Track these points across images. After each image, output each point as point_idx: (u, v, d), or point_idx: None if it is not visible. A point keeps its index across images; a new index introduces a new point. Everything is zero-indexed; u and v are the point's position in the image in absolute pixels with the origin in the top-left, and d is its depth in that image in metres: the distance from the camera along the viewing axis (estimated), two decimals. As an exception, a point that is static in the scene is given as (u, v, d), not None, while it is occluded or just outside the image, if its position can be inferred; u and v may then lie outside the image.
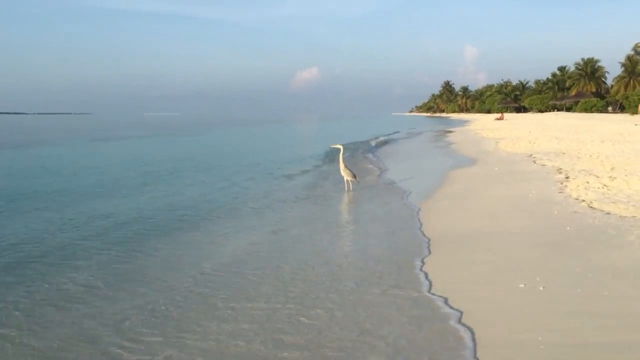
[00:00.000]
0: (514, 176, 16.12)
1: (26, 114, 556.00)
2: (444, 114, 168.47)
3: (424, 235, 9.81)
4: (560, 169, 16.67)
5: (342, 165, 16.06)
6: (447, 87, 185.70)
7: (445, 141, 36.78)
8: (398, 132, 56.44)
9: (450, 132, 50.37)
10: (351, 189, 15.73)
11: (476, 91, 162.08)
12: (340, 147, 16.34)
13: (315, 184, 17.48)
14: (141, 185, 17.30)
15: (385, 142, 39.38)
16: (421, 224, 10.66)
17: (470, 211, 11.52)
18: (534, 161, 19.49)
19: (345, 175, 15.97)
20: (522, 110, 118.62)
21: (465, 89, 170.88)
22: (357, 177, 16.03)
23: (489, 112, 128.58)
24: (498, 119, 77.18)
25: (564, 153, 21.31)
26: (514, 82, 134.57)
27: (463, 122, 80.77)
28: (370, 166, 22.42)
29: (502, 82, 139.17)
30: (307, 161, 24.78)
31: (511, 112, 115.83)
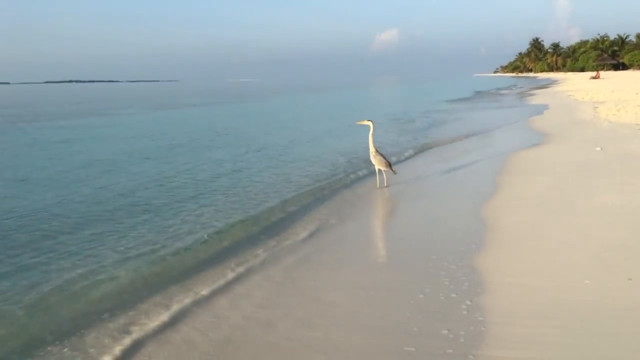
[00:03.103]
0: (629, 165, 10.78)
1: (119, 81, 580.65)
2: (531, 74, 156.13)
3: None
4: (702, 152, 11.12)
5: (372, 150, 11.34)
6: (536, 44, 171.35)
7: (527, 106, 30.66)
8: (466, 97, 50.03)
9: (535, 94, 43.51)
10: (385, 184, 11.10)
11: (568, 48, 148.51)
12: (370, 123, 11.56)
13: (337, 174, 12.86)
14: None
15: (445, 111, 33.77)
16: (469, 293, 5.91)
17: (565, 246, 6.50)
18: (654, 137, 13.87)
19: (377, 163, 11.28)
20: (621, 67, 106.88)
21: (556, 46, 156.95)
22: (392, 166, 11.33)
23: (582, 70, 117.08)
24: (594, 78, 68.13)
25: (695, 124, 15.42)
26: (612, 37, 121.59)
27: (552, 82, 72.08)
28: (420, 145, 17.47)
29: (598, 37, 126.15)
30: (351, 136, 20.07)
31: (608, 69, 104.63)
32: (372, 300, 5.45)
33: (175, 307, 5.49)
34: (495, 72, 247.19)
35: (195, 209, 9.35)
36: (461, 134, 19.48)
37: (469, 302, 5.18)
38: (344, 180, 11.85)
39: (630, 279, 5.36)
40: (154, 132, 23.96)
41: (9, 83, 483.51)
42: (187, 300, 5.65)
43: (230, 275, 6.31)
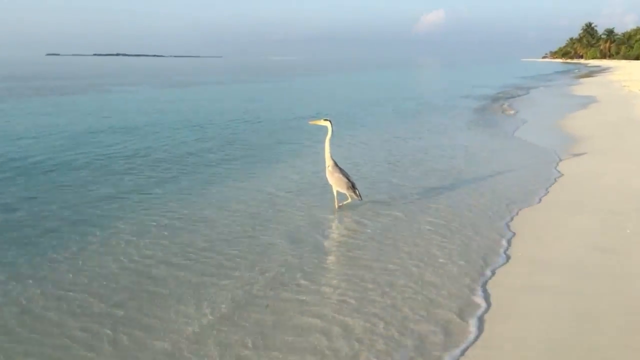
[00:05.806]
0: None
1: (163, 56, 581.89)
2: (582, 60, 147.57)
3: None
4: None
5: (328, 163, 7.93)
6: (589, 29, 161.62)
7: (571, 96, 26.24)
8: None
9: (583, 83, 38.60)
10: (348, 200, 7.78)
11: (623, 35, 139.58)
12: (328, 124, 8.02)
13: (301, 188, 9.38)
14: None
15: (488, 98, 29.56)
16: None
17: None
18: None
19: (334, 183, 7.84)
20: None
21: (610, 32, 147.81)
22: (356, 188, 7.77)
23: (637, 58, 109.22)
24: (651, 67, 61.93)
25: None
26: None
27: (604, 69, 66.04)
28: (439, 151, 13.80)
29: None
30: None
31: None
32: None
33: None
34: (543, 57, 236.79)
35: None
36: (482, 133, 15.70)
37: None
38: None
39: None
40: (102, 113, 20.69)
41: (59, 54, 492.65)
42: None
43: None
